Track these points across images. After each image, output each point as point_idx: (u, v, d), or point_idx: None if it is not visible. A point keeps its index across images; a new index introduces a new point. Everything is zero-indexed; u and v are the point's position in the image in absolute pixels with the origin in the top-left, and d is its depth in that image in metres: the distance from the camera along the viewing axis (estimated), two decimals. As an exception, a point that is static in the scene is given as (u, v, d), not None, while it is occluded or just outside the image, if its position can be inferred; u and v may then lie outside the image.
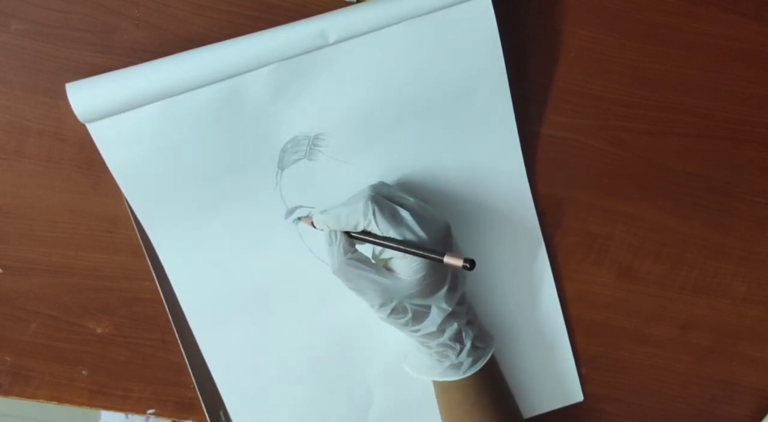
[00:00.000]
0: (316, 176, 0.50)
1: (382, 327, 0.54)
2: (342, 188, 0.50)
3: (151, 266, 0.51)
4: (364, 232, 0.45)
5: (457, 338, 0.48)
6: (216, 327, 0.52)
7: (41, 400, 0.54)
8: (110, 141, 0.46)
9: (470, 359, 0.48)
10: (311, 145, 0.50)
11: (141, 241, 0.50)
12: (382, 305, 0.45)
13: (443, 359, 0.48)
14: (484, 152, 0.52)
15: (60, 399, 0.54)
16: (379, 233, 0.44)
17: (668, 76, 0.54)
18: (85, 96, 0.44)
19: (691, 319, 0.59)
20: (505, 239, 0.55)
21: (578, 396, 0.59)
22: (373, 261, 0.47)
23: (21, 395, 0.54)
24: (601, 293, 0.57)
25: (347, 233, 0.46)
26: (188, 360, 0.53)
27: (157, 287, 0.52)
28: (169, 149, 0.47)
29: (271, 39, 0.46)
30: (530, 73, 0.53)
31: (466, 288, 0.49)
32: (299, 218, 0.51)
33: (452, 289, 0.47)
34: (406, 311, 0.46)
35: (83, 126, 0.46)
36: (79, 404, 0.54)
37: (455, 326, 0.48)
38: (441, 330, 0.47)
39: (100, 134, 0.46)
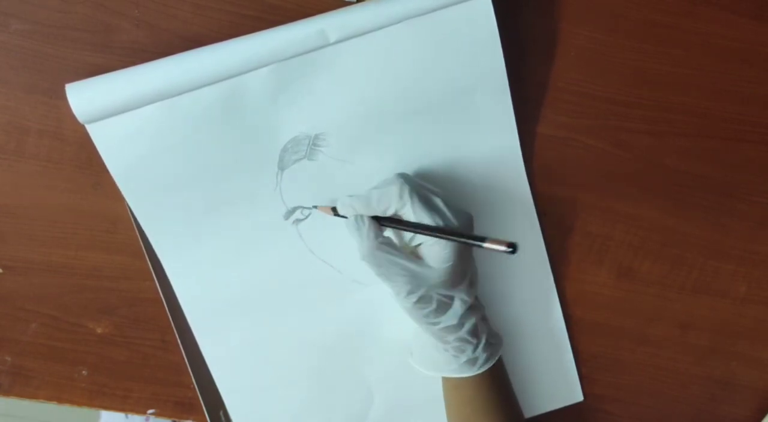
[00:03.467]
0: (317, 176, 0.50)
1: (383, 327, 0.54)
2: (342, 188, 0.50)
3: (151, 266, 0.51)
4: (392, 220, 0.45)
5: (474, 332, 0.48)
6: (216, 327, 0.52)
7: (41, 400, 0.54)
8: (110, 142, 0.46)
9: (485, 354, 0.48)
10: (311, 145, 0.50)
11: (141, 241, 0.50)
12: (410, 293, 0.45)
13: (460, 354, 0.48)
14: (483, 152, 0.52)
15: (60, 399, 0.54)
16: (412, 216, 0.44)
17: (668, 76, 0.54)
18: (84, 97, 0.45)
19: (690, 319, 0.59)
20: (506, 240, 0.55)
21: (578, 396, 0.59)
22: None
23: (21, 395, 0.54)
24: (601, 293, 0.57)
25: (375, 219, 0.46)
26: (188, 360, 0.53)
27: (157, 287, 0.52)
28: (168, 149, 0.47)
29: (271, 39, 0.46)
30: (530, 73, 0.53)
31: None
32: (315, 206, 0.50)
33: (472, 281, 0.47)
34: (431, 301, 0.45)
35: (83, 126, 0.46)
36: (79, 404, 0.54)
37: (473, 319, 0.48)
38: (461, 323, 0.47)
39: (100, 135, 0.46)
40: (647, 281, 0.58)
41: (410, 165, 0.51)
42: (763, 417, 0.61)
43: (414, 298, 0.45)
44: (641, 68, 0.53)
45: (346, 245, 0.51)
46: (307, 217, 0.51)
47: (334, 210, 0.49)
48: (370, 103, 0.49)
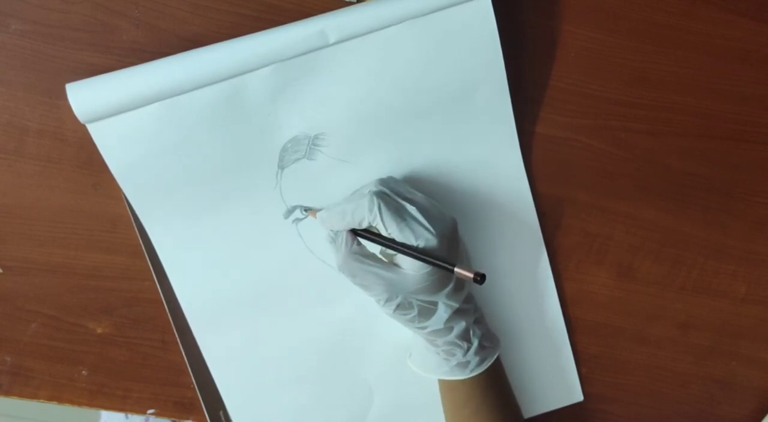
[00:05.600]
0: (316, 176, 0.50)
1: (382, 327, 0.54)
2: (342, 188, 0.50)
3: (151, 266, 0.51)
4: (370, 231, 0.45)
5: (465, 336, 0.48)
6: (216, 327, 0.52)
7: (41, 400, 0.54)
8: (111, 141, 0.46)
9: (477, 358, 0.48)
10: (311, 144, 0.50)
11: (141, 241, 0.50)
12: (388, 301, 0.45)
13: (450, 357, 0.48)
14: (483, 153, 0.52)
15: (60, 399, 0.54)
16: (384, 228, 0.44)
17: (668, 76, 0.54)
18: (85, 97, 0.44)
19: (690, 319, 0.59)
20: (506, 240, 0.55)
21: (578, 396, 0.59)
22: (379, 256, 0.47)
23: (21, 395, 0.54)
24: (601, 293, 0.57)
25: (353, 231, 0.46)
26: (188, 360, 0.53)
27: (157, 287, 0.52)
28: (169, 149, 0.47)
29: (272, 39, 0.46)
30: (530, 73, 0.53)
31: (472, 288, 0.49)
32: (306, 210, 0.51)
33: (458, 286, 0.47)
34: (413, 307, 0.46)
35: (83, 126, 0.46)
36: (79, 404, 0.54)
37: (463, 324, 0.48)
38: (448, 327, 0.47)
39: (101, 135, 0.46)
40: (647, 281, 0.58)
41: (409, 165, 0.51)
42: (763, 417, 0.61)
43: (393, 305, 0.45)
44: (641, 68, 0.53)
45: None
46: (306, 216, 0.51)
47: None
48: (369, 104, 0.49)
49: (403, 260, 0.45)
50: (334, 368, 0.55)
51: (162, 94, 0.45)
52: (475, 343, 0.48)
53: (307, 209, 0.51)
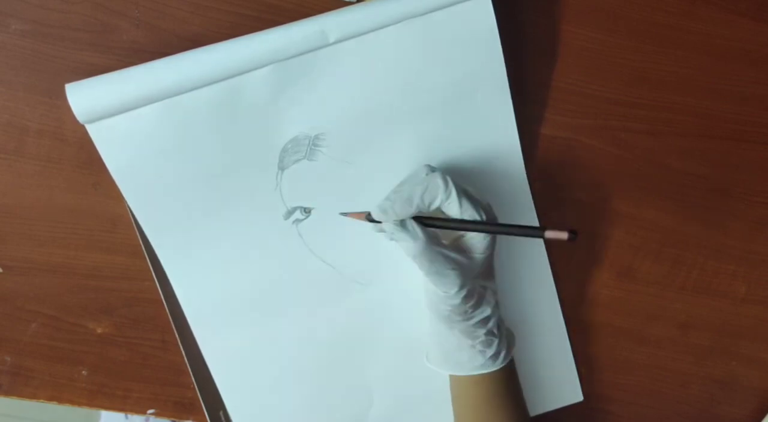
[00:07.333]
0: (317, 176, 0.50)
1: (382, 328, 0.54)
2: (342, 188, 0.50)
3: (151, 266, 0.51)
4: (433, 218, 0.43)
5: (499, 324, 0.48)
6: (216, 327, 0.52)
7: (41, 400, 0.54)
8: (110, 142, 0.46)
9: (506, 347, 0.48)
10: (311, 145, 0.50)
11: (141, 241, 0.50)
12: (461, 287, 0.43)
13: (486, 349, 0.47)
14: (483, 152, 0.52)
15: (60, 399, 0.54)
16: (457, 209, 0.42)
17: (668, 76, 0.54)
18: (84, 97, 0.44)
19: (690, 319, 0.59)
20: (505, 239, 0.55)
21: (578, 396, 0.59)
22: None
23: (21, 395, 0.54)
24: (601, 293, 0.57)
25: (415, 218, 0.44)
26: (188, 360, 0.53)
27: (157, 287, 0.52)
28: (168, 149, 0.47)
29: (271, 39, 0.46)
30: (530, 73, 0.53)
31: None
32: (345, 214, 0.49)
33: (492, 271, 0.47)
34: (474, 294, 0.44)
35: (83, 126, 0.46)
36: (79, 404, 0.54)
37: (498, 312, 0.47)
38: (492, 314, 0.46)
39: (100, 135, 0.46)
40: (647, 281, 0.58)
41: (409, 165, 0.51)
42: (763, 417, 0.61)
43: (464, 292, 0.43)
44: (641, 68, 0.53)
45: (346, 246, 0.51)
46: (306, 217, 0.51)
47: (368, 216, 0.46)
48: (369, 104, 0.49)
49: (470, 244, 0.43)
50: (334, 368, 0.55)
51: (162, 94, 0.45)
52: (504, 332, 0.48)
53: (306, 210, 0.51)
